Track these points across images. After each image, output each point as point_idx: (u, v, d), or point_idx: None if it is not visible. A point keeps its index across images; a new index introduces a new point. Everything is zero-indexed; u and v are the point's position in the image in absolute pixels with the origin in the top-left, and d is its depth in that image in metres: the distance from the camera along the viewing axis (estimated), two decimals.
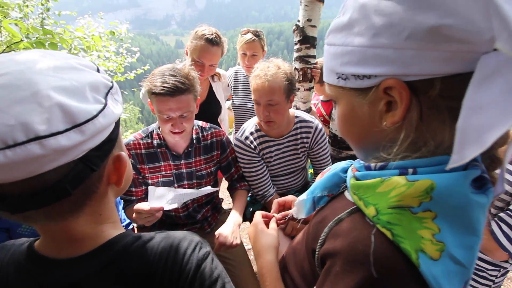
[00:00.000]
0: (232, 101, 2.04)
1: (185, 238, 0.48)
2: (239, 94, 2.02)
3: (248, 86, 1.93)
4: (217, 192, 1.49)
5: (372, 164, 0.40)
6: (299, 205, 0.62)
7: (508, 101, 0.25)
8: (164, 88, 1.01)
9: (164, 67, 1.09)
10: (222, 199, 1.58)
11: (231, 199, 1.42)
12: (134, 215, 1.07)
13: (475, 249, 0.33)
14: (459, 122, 0.28)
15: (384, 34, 0.32)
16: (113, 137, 0.41)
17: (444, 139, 0.33)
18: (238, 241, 1.10)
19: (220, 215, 1.49)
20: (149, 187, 1.12)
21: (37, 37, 1.60)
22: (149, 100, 1.11)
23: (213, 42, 1.50)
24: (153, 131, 1.21)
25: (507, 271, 0.87)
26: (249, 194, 1.48)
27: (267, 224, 0.69)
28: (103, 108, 0.38)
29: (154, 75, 1.07)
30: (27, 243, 0.46)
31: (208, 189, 1.19)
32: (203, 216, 1.37)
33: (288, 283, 0.56)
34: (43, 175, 0.33)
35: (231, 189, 1.42)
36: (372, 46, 0.33)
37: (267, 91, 1.15)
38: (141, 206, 1.05)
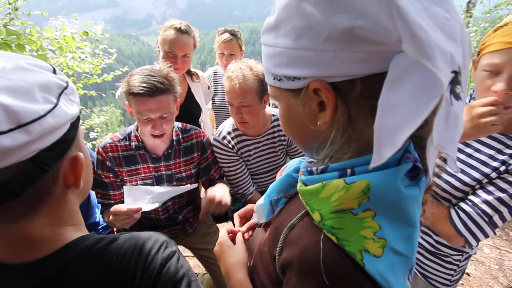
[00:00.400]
0: (213, 101, 2.04)
1: (150, 238, 0.48)
2: (219, 93, 2.02)
3: None
4: (198, 192, 1.49)
5: (314, 168, 0.40)
6: (258, 210, 0.61)
7: (414, 102, 0.25)
8: (142, 88, 0.98)
9: (142, 68, 1.07)
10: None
11: None
12: (111, 217, 1.05)
13: (414, 238, 0.34)
14: (375, 122, 0.28)
15: (305, 36, 0.32)
16: (69, 137, 0.41)
17: (371, 137, 0.34)
18: (228, 202, 1.12)
19: (201, 217, 1.49)
20: (124, 186, 1.09)
21: (2, 38, 1.52)
22: (127, 102, 1.08)
23: (182, 30, 1.47)
24: (131, 133, 1.18)
25: (470, 255, 0.93)
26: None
27: (233, 239, 0.68)
28: (53, 108, 0.37)
29: (132, 75, 1.04)
30: None
31: (187, 186, 1.18)
32: (184, 217, 1.36)
33: (258, 286, 0.56)
34: None
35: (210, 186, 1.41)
36: (296, 48, 0.33)
37: (238, 93, 1.16)
38: (118, 207, 1.03)
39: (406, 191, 0.34)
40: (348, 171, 0.35)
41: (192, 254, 1.55)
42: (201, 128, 1.89)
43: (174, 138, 1.22)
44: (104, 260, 0.44)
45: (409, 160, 0.35)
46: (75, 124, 0.43)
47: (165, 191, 1.14)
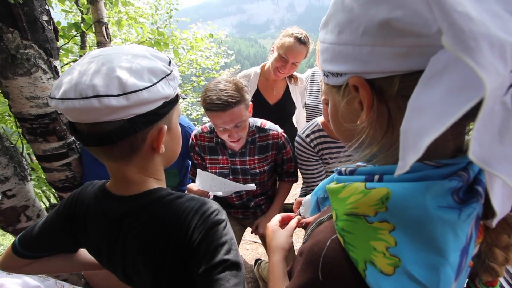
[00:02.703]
0: (305, 102, 2.07)
1: (206, 203, 0.57)
2: (313, 95, 2.03)
3: None
4: (271, 184, 1.57)
5: (343, 169, 0.39)
6: (306, 205, 0.61)
7: (445, 104, 0.22)
8: (216, 104, 1.08)
9: (215, 82, 1.15)
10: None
11: None
12: (186, 191, 1.26)
13: (442, 270, 0.29)
14: (402, 124, 0.25)
15: (346, 31, 0.31)
16: (161, 112, 0.53)
17: None
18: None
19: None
20: (197, 169, 1.26)
21: (155, 38, 2.08)
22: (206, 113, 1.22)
23: (301, 41, 1.56)
24: (214, 128, 1.33)
25: None
26: (304, 192, 1.50)
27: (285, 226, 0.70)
28: (150, 86, 0.48)
29: (206, 91, 1.13)
30: (104, 182, 0.64)
31: (249, 186, 1.28)
32: (256, 203, 1.47)
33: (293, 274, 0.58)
34: (100, 124, 0.48)
35: (279, 180, 1.49)
36: (338, 43, 0.32)
37: None
38: (191, 186, 1.23)
39: (435, 211, 0.29)
40: (376, 177, 0.33)
41: (261, 242, 1.65)
42: (295, 127, 1.97)
43: (250, 138, 1.31)
44: (169, 209, 0.56)
45: (457, 179, 0.30)
46: (169, 103, 0.54)
47: (228, 185, 1.26)
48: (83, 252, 0.76)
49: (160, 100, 0.52)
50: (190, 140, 1.38)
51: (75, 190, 0.68)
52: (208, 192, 1.20)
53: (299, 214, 0.70)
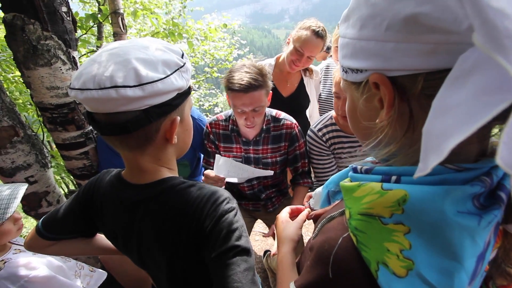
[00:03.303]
0: (319, 94, 2.03)
1: (217, 192, 0.58)
2: (327, 87, 1.99)
3: None
4: (283, 178, 1.57)
5: (359, 167, 0.38)
6: (316, 197, 0.61)
7: (473, 105, 0.21)
8: (239, 85, 1.11)
9: (240, 64, 1.20)
10: (290, 185, 1.65)
11: None
12: (203, 178, 1.27)
13: (456, 275, 0.28)
14: (424, 125, 0.24)
15: (368, 26, 0.30)
16: (174, 103, 0.54)
17: None
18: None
19: (285, 199, 1.57)
20: (216, 155, 1.28)
21: (170, 29, 2.09)
22: (227, 95, 1.24)
23: (318, 34, 1.52)
24: (230, 115, 1.36)
25: None
26: (315, 185, 1.49)
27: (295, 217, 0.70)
28: (164, 77, 0.50)
29: (231, 72, 1.17)
30: (120, 170, 0.67)
31: (265, 171, 1.28)
32: (266, 196, 1.48)
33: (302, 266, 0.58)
34: (117, 114, 0.49)
35: (293, 183, 1.46)
36: (359, 39, 0.31)
37: None
38: (208, 172, 1.24)
39: (454, 216, 0.28)
40: (393, 177, 0.32)
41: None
42: (308, 120, 1.95)
43: (265, 126, 1.32)
44: (182, 197, 0.58)
45: (479, 184, 0.29)
46: (182, 95, 0.55)
47: (246, 170, 1.28)
48: (101, 237, 0.80)
49: (174, 92, 0.53)
50: (205, 128, 1.40)
51: (93, 177, 0.71)
52: (225, 179, 1.21)
53: (309, 206, 0.70)
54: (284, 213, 0.72)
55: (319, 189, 0.62)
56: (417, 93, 0.28)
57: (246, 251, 0.54)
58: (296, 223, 0.68)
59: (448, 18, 0.23)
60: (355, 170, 0.39)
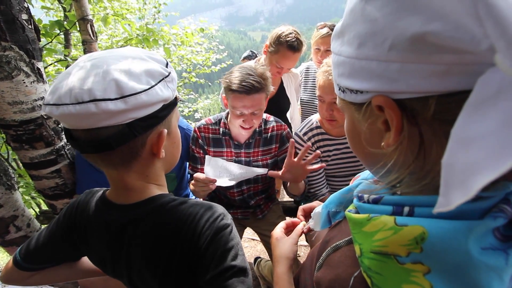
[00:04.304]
0: (300, 97, 2.04)
1: (211, 208, 0.55)
2: (308, 90, 2.01)
3: None
4: (273, 183, 1.55)
5: (365, 195, 0.35)
6: (316, 217, 0.59)
7: (505, 138, 0.18)
8: (241, 86, 1.09)
9: (241, 66, 1.18)
10: (278, 191, 1.63)
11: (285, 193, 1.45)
12: (192, 182, 1.21)
13: None
14: (444, 156, 0.21)
15: (368, 44, 0.27)
16: (160, 115, 0.50)
17: None
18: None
19: (273, 205, 1.55)
20: (206, 156, 1.22)
21: (144, 34, 2.00)
22: (224, 95, 1.21)
23: (295, 48, 1.52)
24: (221, 119, 1.32)
25: None
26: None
27: (290, 232, 0.68)
28: (149, 88, 0.47)
29: (232, 73, 1.15)
30: (104, 190, 0.61)
31: (258, 169, 1.24)
32: (256, 203, 1.45)
33: (301, 285, 0.56)
34: (98, 130, 0.45)
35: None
36: (358, 58, 0.28)
37: (333, 88, 1.12)
38: (198, 174, 1.18)
39: (479, 256, 0.25)
40: (406, 209, 0.29)
41: (259, 239, 1.64)
42: (288, 123, 1.95)
43: (257, 129, 1.30)
44: (173, 216, 0.54)
45: (501, 215, 0.26)
46: (168, 106, 0.52)
47: (238, 171, 1.23)
48: (86, 260, 0.74)
49: (159, 103, 0.50)
50: (193, 132, 1.35)
51: (73, 200, 0.66)
52: (216, 180, 1.16)
53: (307, 228, 0.67)
54: (279, 229, 0.69)
55: (318, 209, 0.59)
56: (429, 118, 0.26)
57: (243, 271, 0.51)
58: (291, 239, 0.64)
59: (463, 37, 0.20)
60: (361, 198, 0.36)
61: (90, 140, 0.47)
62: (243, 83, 1.08)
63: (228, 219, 0.56)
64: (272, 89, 1.20)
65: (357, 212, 0.36)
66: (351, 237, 0.37)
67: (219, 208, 0.57)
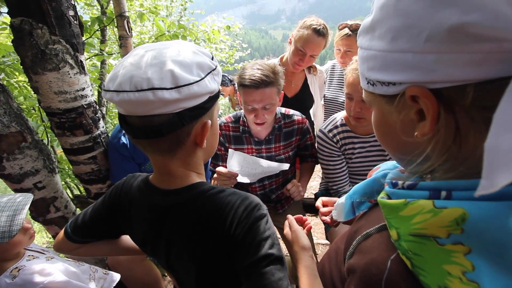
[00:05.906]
0: (324, 94, 2.03)
1: (247, 198, 0.57)
2: (332, 88, 1.99)
3: (343, 80, 1.87)
4: (294, 176, 1.56)
5: (400, 182, 0.36)
6: (339, 208, 0.60)
7: None
8: (250, 80, 1.11)
9: (253, 62, 1.21)
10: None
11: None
12: (215, 176, 1.24)
13: None
14: (487, 140, 0.22)
15: (403, 37, 0.28)
16: (206, 106, 0.53)
17: None
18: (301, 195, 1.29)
19: (294, 200, 1.56)
20: (229, 149, 1.24)
21: (174, 31, 2.08)
22: (238, 92, 1.24)
23: (320, 32, 1.51)
24: (240, 117, 1.35)
25: None
26: (324, 187, 1.48)
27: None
28: (199, 80, 0.50)
29: (243, 69, 1.19)
30: (147, 175, 0.66)
31: (281, 164, 1.25)
32: (277, 197, 1.47)
33: (326, 277, 0.56)
34: (152, 117, 0.49)
35: (301, 163, 1.50)
36: (391, 51, 0.29)
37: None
38: (220, 168, 1.22)
39: None
40: (443, 193, 0.30)
41: (279, 235, 1.66)
42: (311, 120, 1.94)
43: (276, 125, 1.32)
44: (213, 203, 0.57)
45: None
46: (212, 98, 0.55)
47: (261, 165, 1.24)
48: (125, 238, 0.80)
49: (206, 95, 0.53)
50: None
51: (118, 182, 0.71)
52: (238, 175, 1.19)
53: (331, 217, 0.69)
54: (294, 221, 0.71)
55: (341, 200, 0.60)
56: (467, 105, 0.27)
57: (279, 260, 0.52)
58: (306, 230, 0.68)
59: (502, 25, 0.21)
60: (395, 185, 0.37)
61: (143, 126, 0.50)
62: (252, 77, 1.11)
63: (264, 209, 0.57)
64: (283, 83, 1.20)
65: (389, 199, 0.37)
66: (382, 224, 0.38)
67: (256, 199, 0.58)
